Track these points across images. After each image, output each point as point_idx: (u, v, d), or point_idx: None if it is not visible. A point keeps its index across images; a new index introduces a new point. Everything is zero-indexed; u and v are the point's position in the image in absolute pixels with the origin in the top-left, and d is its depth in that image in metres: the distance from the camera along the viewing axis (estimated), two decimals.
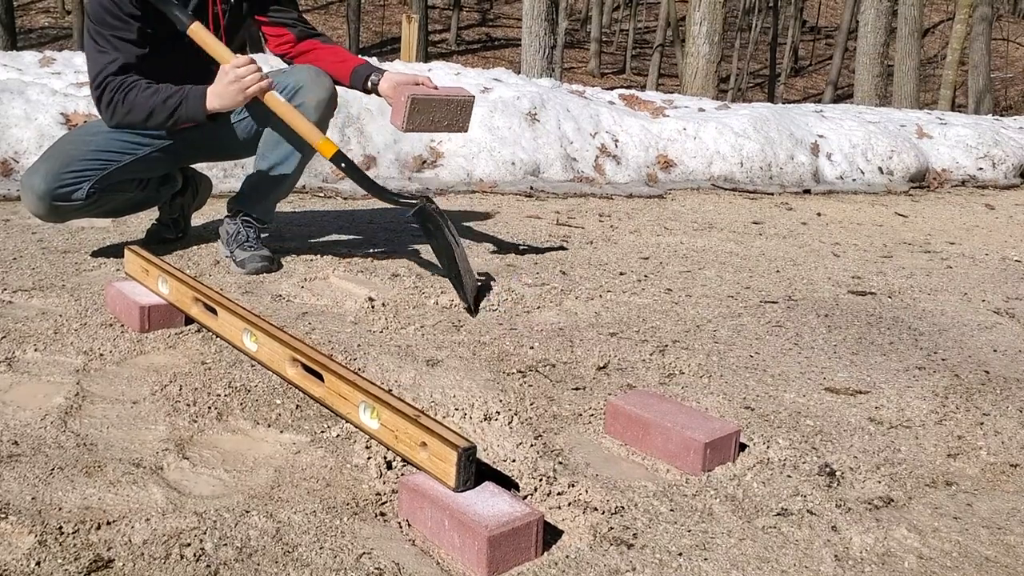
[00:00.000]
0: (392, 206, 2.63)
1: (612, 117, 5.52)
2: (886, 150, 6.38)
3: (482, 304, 2.50)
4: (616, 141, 5.41)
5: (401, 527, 1.35)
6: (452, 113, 2.51)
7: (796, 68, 29.67)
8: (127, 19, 2.44)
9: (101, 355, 1.94)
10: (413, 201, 2.55)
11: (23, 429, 1.58)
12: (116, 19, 2.43)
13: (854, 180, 6.14)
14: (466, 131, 2.61)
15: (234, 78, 2.41)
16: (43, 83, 4.39)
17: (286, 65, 2.74)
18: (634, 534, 1.37)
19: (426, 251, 3.12)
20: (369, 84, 2.62)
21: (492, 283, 2.65)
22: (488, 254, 3.16)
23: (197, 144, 2.74)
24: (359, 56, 2.84)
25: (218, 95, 2.44)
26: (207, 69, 2.53)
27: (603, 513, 1.42)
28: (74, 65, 5.02)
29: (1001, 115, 11.82)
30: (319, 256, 2.86)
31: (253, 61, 2.45)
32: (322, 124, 2.62)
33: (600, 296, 2.69)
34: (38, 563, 1.19)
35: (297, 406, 1.74)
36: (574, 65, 25.34)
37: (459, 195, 4.47)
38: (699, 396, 1.95)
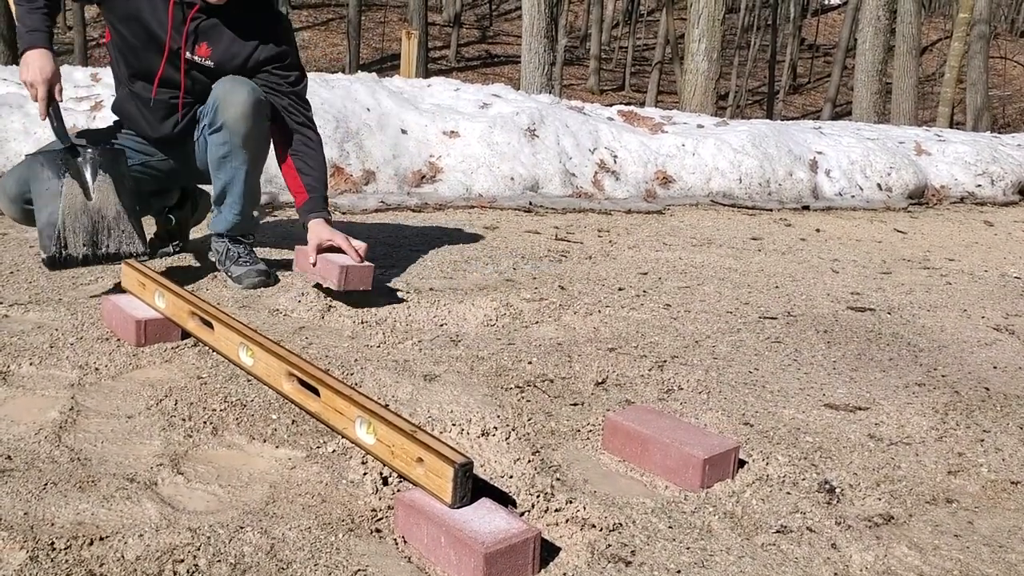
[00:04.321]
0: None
1: (611, 133, 5.53)
2: (885, 167, 6.39)
3: (479, 319, 2.49)
4: (615, 157, 5.42)
5: (397, 544, 1.34)
6: (366, 277, 2.50)
7: (794, 85, 29.79)
8: None
9: (97, 369, 1.93)
10: (66, 144, 2.42)
11: (17, 443, 1.56)
12: None
13: (853, 196, 6.14)
14: (369, 289, 2.54)
15: (29, 82, 2.35)
16: None
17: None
18: (632, 551, 1.36)
19: (424, 265, 3.12)
20: (300, 218, 2.62)
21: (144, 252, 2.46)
22: (486, 269, 3.16)
23: (180, 164, 2.74)
24: (311, 187, 2.64)
25: (26, 63, 2.35)
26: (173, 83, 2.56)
27: (601, 530, 1.40)
28: (73, 79, 5.04)
29: (999, 132, 11.85)
30: None
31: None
32: (250, 138, 2.53)
33: (599, 311, 2.68)
34: None
35: (293, 421, 1.73)
36: (573, 82, 25.44)
37: (458, 210, 4.47)
38: (698, 412, 1.94)
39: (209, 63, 2.55)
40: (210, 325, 1.95)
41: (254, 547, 1.29)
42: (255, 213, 2.77)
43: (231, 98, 2.50)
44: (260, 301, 2.54)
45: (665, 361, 2.26)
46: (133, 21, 2.49)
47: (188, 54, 2.52)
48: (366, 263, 2.52)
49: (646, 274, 3.30)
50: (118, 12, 2.50)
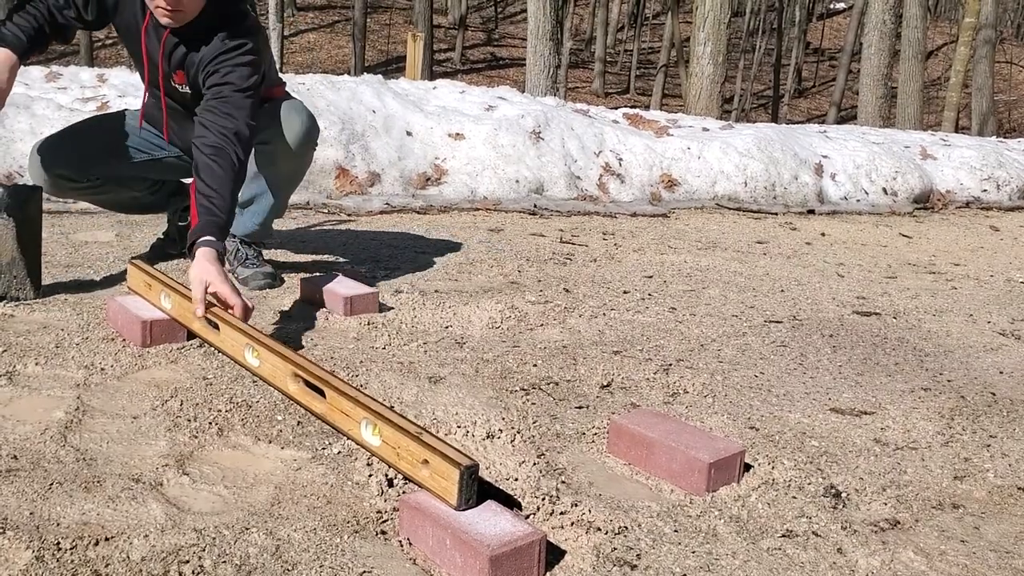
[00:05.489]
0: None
1: (616, 136, 5.53)
2: (890, 171, 6.38)
3: (484, 322, 2.49)
4: (620, 160, 5.42)
5: (402, 546, 1.34)
6: (371, 304, 2.49)
7: (800, 89, 29.77)
8: None
9: (102, 369, 1.93)
10: None
11: (23, 443, 1.56)
12: None
13: (858, 201, 6.14)
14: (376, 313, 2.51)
15: None
16: (49, 98, 4.41)
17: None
18: (637, 555, 1.35)
19: (428, 267, 3.12)
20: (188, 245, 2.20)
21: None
22: (491, 271, 3.16)
23: None
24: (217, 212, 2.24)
25: None
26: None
27: (606, 533, 1.40)
28: (80, 80, 5.05)
29: (1004, 137, 11.82)
30: (322, 272, 2.85)
31: None
32: (293, 161, 2.59)
33: (604, 314, 2.68)
34: None
35: (298, 422, 1.73)
36: (578, 85, 25.43)
37: (463, 212, 4.47)
38: (703, 416, 1.94)
39: (186, 89, 2.47)
40: (216, 326, 1.95)
41: (259, 548, 1.29)
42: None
43: (288, 124, 2.52)
44: (266, 302, 2.54)
45: (670, 364, 2.26)
46: (126, 37, 2.49)
47: (169, 81, 2.47)
48: (370, 290, 2.52)
49: (651, 277, 3.29)
50: (120, 28, 2.49)
